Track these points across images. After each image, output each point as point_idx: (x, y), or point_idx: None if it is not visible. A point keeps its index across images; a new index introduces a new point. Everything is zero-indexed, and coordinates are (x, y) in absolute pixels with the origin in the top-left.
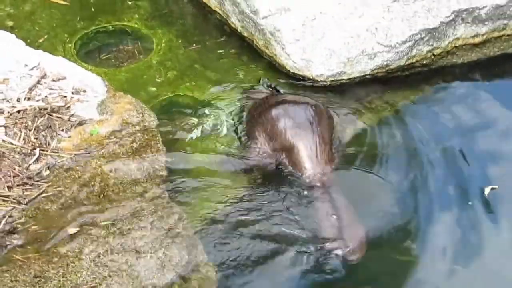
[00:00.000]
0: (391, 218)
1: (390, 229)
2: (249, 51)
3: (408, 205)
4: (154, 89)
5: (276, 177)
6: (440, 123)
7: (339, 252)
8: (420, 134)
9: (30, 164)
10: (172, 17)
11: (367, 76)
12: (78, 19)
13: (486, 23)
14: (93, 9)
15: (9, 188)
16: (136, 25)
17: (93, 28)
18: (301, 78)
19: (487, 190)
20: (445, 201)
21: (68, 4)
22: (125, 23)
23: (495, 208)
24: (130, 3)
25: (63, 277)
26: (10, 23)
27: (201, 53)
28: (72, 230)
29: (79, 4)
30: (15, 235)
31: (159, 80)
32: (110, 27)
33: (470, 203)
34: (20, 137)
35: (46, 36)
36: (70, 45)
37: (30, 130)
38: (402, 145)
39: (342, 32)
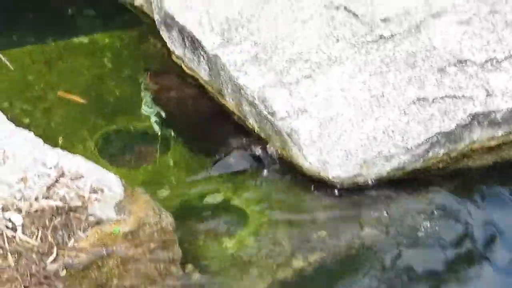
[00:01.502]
0: None
1: None
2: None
3: None
4: (171, 189)
5: None
6: (459, 227)
7: None
8: (439, 238)
9: (47, 264)
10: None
11: (383, 178)
12: (96, 118)
13: (502, 126)
14: (111, 108)
15: (26, 287)
16: (154, 125)
17: (112, 127)
18: (317, 179)
19: None
20: None
21: (85, 102)
22: (143, 123)
23: None
24: None
25: None
26: (27, 120)
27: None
28: None
29: (97, 102)
30: None
31: (176, 181)
32: (131, 127)
33: None
34: (37, 236)
35: (63, 135)
36: (87, 143)
37: (47, 229)
38: (421, 250)
39: (359, 134)
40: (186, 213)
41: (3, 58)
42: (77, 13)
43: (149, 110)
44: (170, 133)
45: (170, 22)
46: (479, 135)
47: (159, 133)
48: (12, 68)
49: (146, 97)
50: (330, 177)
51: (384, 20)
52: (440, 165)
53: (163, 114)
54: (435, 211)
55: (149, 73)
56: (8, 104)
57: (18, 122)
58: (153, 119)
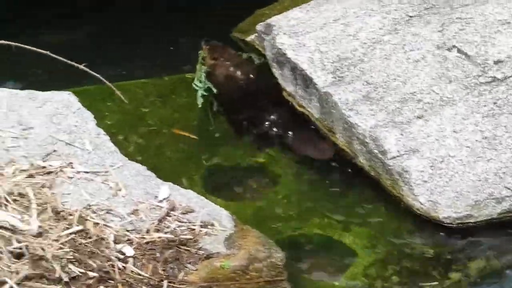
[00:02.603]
0: None
1: None
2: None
3: None
4: (281, 224)
5: None
6: None
7: None
8: None
9: None
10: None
11: (493, 220)
12: (205, 153)
13: None
14: (220, 143)
15: None
16: (263, 160)
17: (220, 162)
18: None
19: None
20: None
21: (196, 138)
22: (251, 158)
23: None
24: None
25: None
26: (140, 156)
27: (325, 191)
28: None
29: (207, 138)
30: None
31: (285, 216)
32: (239, 162)
33: None
34: (148, 268)
35: (174, 169)
36: (197, 178)
37: (158, 262)
38: None
39: (470, 175)
40: (296, 249)
41: (116, 91)
42: (187, 46)
43: (199, 85)
44: (280, 167)
45: (282, 59)
46: None
47: (200, 106)
48: (127, 101)
49: (201, 72)
50: (441, 218)
51: (497, 62)
52: None
53: (214, 90)
54: None
55: (206, 46)
56: (123, 137)
57: (131, 157)
58: (200, 93)
